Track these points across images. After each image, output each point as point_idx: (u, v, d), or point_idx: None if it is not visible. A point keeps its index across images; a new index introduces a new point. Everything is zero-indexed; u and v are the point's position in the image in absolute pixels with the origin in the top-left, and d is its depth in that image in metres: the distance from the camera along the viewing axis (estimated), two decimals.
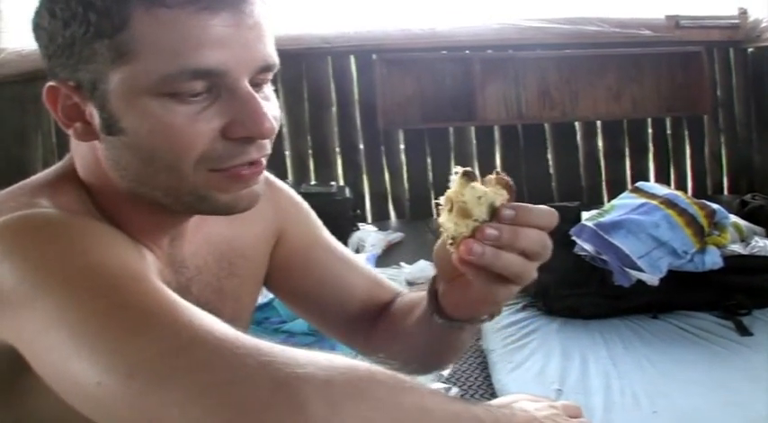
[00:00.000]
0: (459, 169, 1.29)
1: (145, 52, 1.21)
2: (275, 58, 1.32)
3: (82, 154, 1.39)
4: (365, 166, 6.73)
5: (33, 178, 1.40)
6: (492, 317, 1.52)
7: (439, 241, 1.36)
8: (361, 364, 1.07)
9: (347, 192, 6.14)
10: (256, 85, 1.30)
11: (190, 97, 1.23)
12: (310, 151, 6.61)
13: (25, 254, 1.16)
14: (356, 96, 6.69)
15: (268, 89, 1.35)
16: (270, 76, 1.34)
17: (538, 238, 1.29)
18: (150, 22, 1.20)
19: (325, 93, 6.59)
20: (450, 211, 1.27)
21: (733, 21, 6.81)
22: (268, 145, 1.35)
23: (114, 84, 1.23)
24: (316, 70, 6.52)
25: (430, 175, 6.80)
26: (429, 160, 6.78)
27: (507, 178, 1.31)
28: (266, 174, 1.64)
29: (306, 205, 1.85)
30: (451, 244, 1.26)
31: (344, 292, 1.82)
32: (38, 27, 1.30)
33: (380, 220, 6.69)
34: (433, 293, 1.53)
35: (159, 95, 1.22)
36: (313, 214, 1.85)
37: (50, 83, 1.30)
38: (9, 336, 1.14)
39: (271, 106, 1.32)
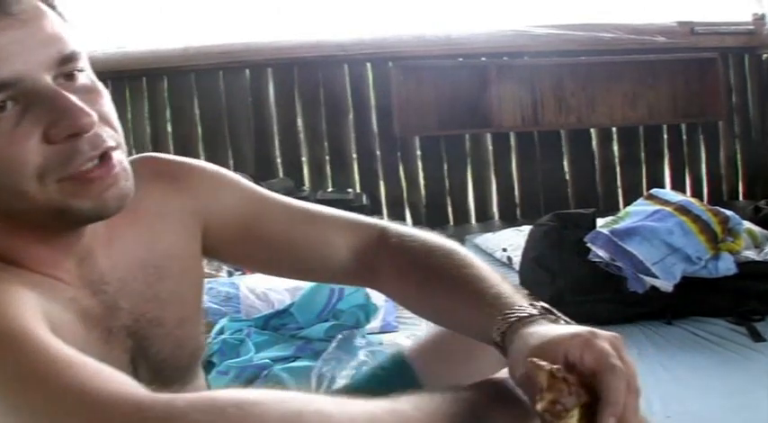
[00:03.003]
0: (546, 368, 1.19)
1: None
2: (71, 46, 1.25)
3: None
4: (382, 172, 6.75)
5: None
6: None
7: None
8: (248, 396, 1.05)
9: (364, 198, 6.17)
10: (65, 77, 1.24)
11: None
12: (327, 158, 6.63)
13: None
14: (372, 103, 6.70)
15: (84, 78, 1.28)
16: (78, 64, 1.26)
17: (636, 396, 1.21)
18: None
19: (342, 100, 6.61)
20: None
21: (748, 27, 6.81)
22: (106, 138, 1.27)
23: None
24: (332, 77, 6.54)
25: (446, 181, 6.81)
26: (445, 167, 6.79)
27: (568, 376, 1.19)
28: (176, 162, 1.65)
29: (232, 179, 1.73)
30: None
31: (313, 248, 1.75)
32: None
33: None
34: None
35: None
36: (240, 182, 1.74)
37: None
38: None
39: (93, 96, 1.27)
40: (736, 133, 7.04)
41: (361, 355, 3.07)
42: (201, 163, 1.70)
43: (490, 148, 6.86)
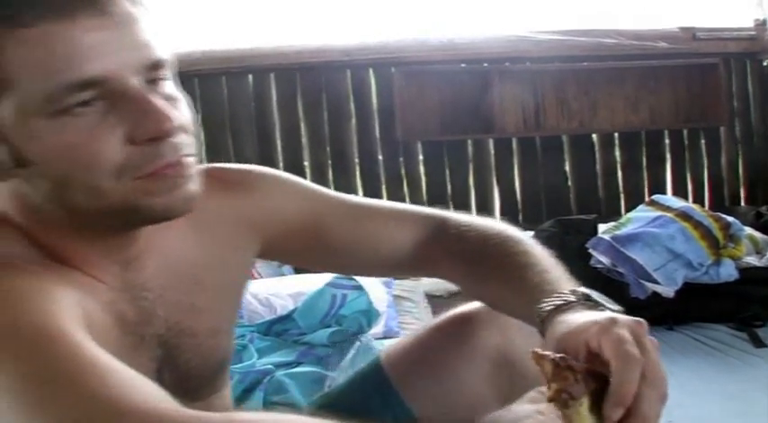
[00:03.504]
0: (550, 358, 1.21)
1: (20, 76, 1.19)
2: (161, 54, 1.29)
3: (5, 195, 1.36)
4: (384, 177, 6.75)
5: None
6: None
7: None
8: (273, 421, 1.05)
9: None
10: (152, 82, 1.27)
11: (81, 110, 1.20)
12: (330, 162, 6.63)
13: None
14: (375, 108, 6.69)
15: (169, 87, 1.31)
16: (164, 72, 1.30)
17: (656, 392, 1.22)
18: (19, 45, 1.18)
19: (345, 104, 6.60)
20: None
21: (750, 32, 6.82)
22: (185, 144, 1.31)
23: (5, 116, 1.22)
24: (335, 82, 6.53)
25: (448, 186, 6.81)
26: (447, 171, 6.79)
27: (574, 365, 1.21)
28: (236, 170, 1.70)
29: (287, 181, 1.78)
30: None
31: (375, 242, 1.80)
32: None
33: None
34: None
35: (50, 116, 1.20)
36: (301, 184, 1.79)
37: None
38: None
39: (175, 104, 1.30)
40: (737, 138, 7.03)
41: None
42: (261, 168, 1.76)
43: (492, 152, 6.83)
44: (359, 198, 1.86)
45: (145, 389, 1.05)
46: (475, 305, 1.87)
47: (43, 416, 1.01)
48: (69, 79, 1.18)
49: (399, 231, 1.81)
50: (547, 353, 1.22)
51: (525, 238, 1.75)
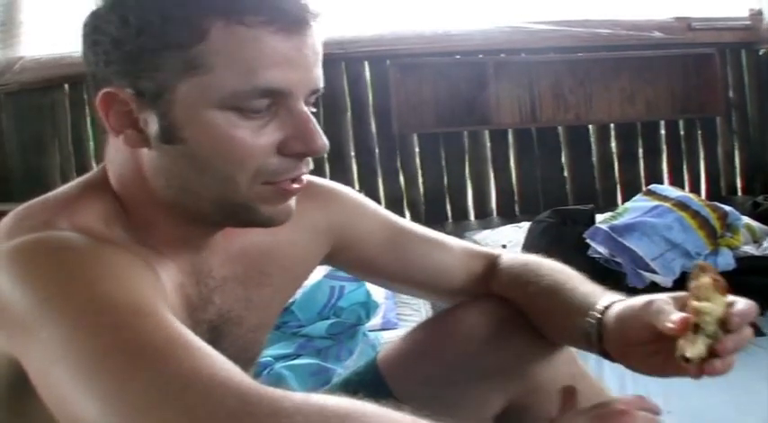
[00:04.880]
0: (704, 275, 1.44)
1: (219, 67, 1.26)
2: (322, 81, 1.38)
3: (119, 162, 1.42)
4: (380, 170, 6.75)
5: (59, 191, 1.43)
6: None
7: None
8: (356, 409, 1.07)
9: None
10: (307, 105, 1.35)
11: (253, 113, 1.29)
12: (326, 156, 6.61)
13: (36, 282, 1.18)
14: (371, 101, 6.71)
15: (311, 108, 1.39)
16: (315, 99, 1.40)
17: (750, 333, 1.41)
18: (227, 38, 1.25)
19: (340, 98, 6.61)
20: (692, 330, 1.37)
21: (745, 22, 6.82)
22: (311, 164, 1.40)
23: (181, 94, 1.28)
24: (330, 75, 6.50)
25: (445, 179, 6.81)
26: (444, 164, 6.80)
27: (721, 280, 1.43)
28: (319, 183, 1.79)
29: (365, 203, 1.90)
30: (686, 361, 1.36)
31: (434, 272, 1.93)
32: (99, 32, 1.31)
33: None
34: (597, 330, 1.62)
35: (226, 109, 1.28)
36: (377, 209, 1.92)
37: (107, 89, 1.31)
38: (19, 356, 1.18)
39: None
40: (734, 129, 7.05)
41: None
42: (345, 188, 1.88)
43: (488, 145, 6.86)
44: (426, 230, 1.97)
45: (227, 367, 1.09)
46: (471, 306, 1.94)
47: (130, 386, 1.04)
48: (261, 84, 1.28)
49: (457, 262, 1.95)
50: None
51: (569, 269, 1.86)
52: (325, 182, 1.84)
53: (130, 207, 1.42)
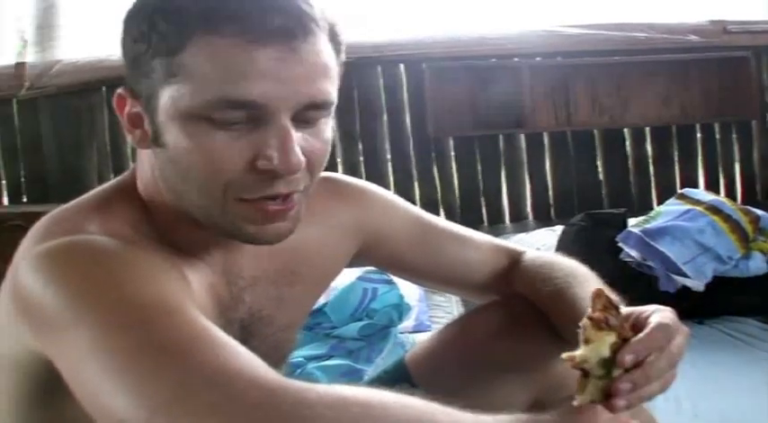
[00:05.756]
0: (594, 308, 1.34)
1: (193, 76, 1.28)
2: (327, 96, 1.38)
3: (143, 167, 1.47)
4: (416, 173, 6.77)
5: (90, 195, 1.48)
6: None
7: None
8: (377, 397, 1.11)
9: None
10: (305, 121, 1.35)
11: (227, 125, 1.29)
12: (361, 159, 6.66)
13: (67, 282, 1.22)
14: (406, 104, 6.71)
15: (323, 125, 1.41)
16: (323, 113, 1.39)
17: (667, 362, 1.34)
18: (203, 47, 1.27)
19: (376, 101, 6.63)
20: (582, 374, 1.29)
21: None
22: (300, 182, 1.38)
23: (163, 100, 1.31)
24: (366, 79, 6.57)
25: (480, 182, 6.82)
26: (479, 167, 6.81)
27: (612, 299, 1.34)
28: (348, 181, 1.82)
29: (394, 200, 1.92)
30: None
31: (462, 268, 1.95)
32: (122, 42, 1.38)
33: None
34: None
35: (199, 118, 1.29)
36: (406, 206, 1.93)
37: (119, 90, 1.39)
38: (49, 353, 1.22)
39: (312, 143, 1.37)
40: None
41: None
42: (374, 187, 1.90)
43: (524, 148, 6.86)
44: (454, 226, 2.00)
45: (253, 361, 1.12)
46: (494, 306, 1.99)
47: (157, 381, 1.08)
48: (229, 95, 1.28)
49: (482, 258, 1.98)
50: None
51: (588, 271, 1.87)
52: (354, 180, 1.87)
53: (156, 210, 1.46)
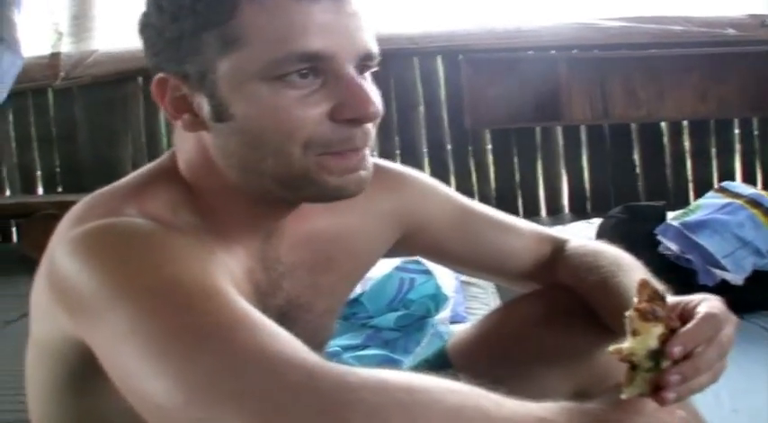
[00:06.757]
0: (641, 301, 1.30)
1: (253, 39, 1.27)
2: (376, 48, 1.38)
3: (186, 149, 1.44)
4: (453, 165, 6.78)
5: (128, 179, 1.46)
6: None
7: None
8: (419, 382, 1.10)
9: None
10: (360, 73, 1.35)
11: (298, 81, 1.29)
12: (398, 151, 6.67)
13: (103, 265, 1.21)
14: (443, 96, 6.74)
15: (370, 79, 1.40)
16: (372, 64, 1.39)
17: (717, 353, 1.31)
18: (257, 9, 1.27)
19: (413, 93, 6.65)
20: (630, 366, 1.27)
21: None
22: (371, 133, 1.40)
23: (223, 71, 1.30)
24: (403, 71, 6.59)
25: (517, 175, 6.82)
26: (516, 160, 6.81)
27: (660, 299, 1.31)
28: (388, 167, 1.79)
29: (436, 186, 1.89)
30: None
31: (503, 255, 1.93)
32: (145, 25, 1.37)
33: None
34: None
35: (268, 79, 1.28)
36: (447, 191, 1.91)
37: (159, 75, 1.35)
38: (85, 337, 1.21)
39: (374, 91, 1.37)
40: None
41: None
42: (414, 172, 1.86)
43: (560, 141, 6.86)
44: (496, 212, 1.96)
45: (293, 343, 1.11)
46: (536, 295, 1.96)
47: (196, 364, 1.07)
48: (296, 50, 1.27)
49: (523, 246, 1.94)
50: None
51: (633, 260, 1.84)
52: (394, 165, 1.84)
53: (199, 193, 1.44)
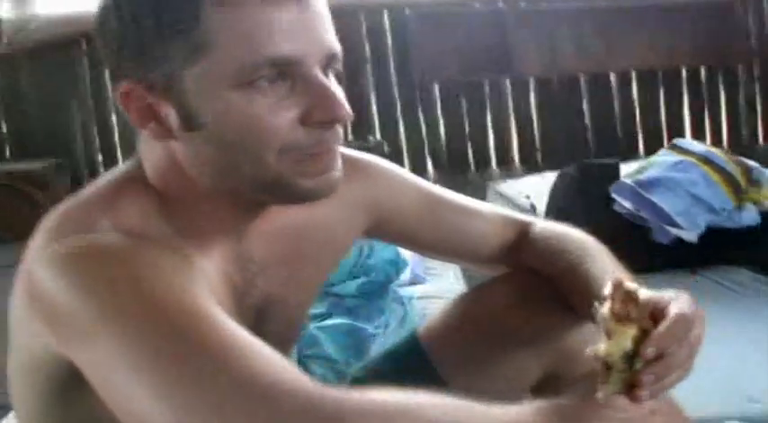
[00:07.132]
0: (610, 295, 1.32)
1: (219, 45, 1.24)
2: (339, 47, 1.36)
3: (153, 157, 1.41)
4: (402, 120, 6.78)
5: (97, 188, 1.41)
6: None
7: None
8: (415, 402, 1.12)
9: (385, 146, 6.18)
10: (325, 74, 1.33)
11: (266, 86, 1.26)
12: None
13: (87, 287, 1.19)
14: (390, 51, 6.73)
15: (334, 79, 1.37)
16: (336, 65, 1.37)
17: (687, 353, 1.32)
18: (221, 15, 1.23)
19: (360, 48, 6.62)
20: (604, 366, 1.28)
21: None
22: (340, 132, 1.38)
23: (191, 80, 1.26)
24: (349, 27, 6.55)
25: (467, 127, 6.83)
26: (465, 113, 6.82)
27: (631, 289, 1.33)
28: (355, 157, 1.77)
29: (402, 174, 1.88)
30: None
31: (470, 240, 1.92)
32: (104, 28, 1.31)
33: (419, 174, 6.57)
34: None
35: (237, 87, 1.25)
36: (413, 179, 1.90)
37: (123, 84, 1.31)
38: (69, 354, 1.21)
39: (340, 92, 1.35)
40: (755, 77, 7.02)
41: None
42: (381, 161, 1.85)
43: (509, 93, 6.87)
44: (461, 197, 1.96)
45: (287, 368, 1.12)
46: (503, 280, 1.97)
47: (192, 391, 1.08)
48: (265, 55, 1.25)
49: (491, 230, 1.93)
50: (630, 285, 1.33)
51: (597, 243, 1.84)
52: (362, 155, 1.82)
53: (170, 200, 1.41)
